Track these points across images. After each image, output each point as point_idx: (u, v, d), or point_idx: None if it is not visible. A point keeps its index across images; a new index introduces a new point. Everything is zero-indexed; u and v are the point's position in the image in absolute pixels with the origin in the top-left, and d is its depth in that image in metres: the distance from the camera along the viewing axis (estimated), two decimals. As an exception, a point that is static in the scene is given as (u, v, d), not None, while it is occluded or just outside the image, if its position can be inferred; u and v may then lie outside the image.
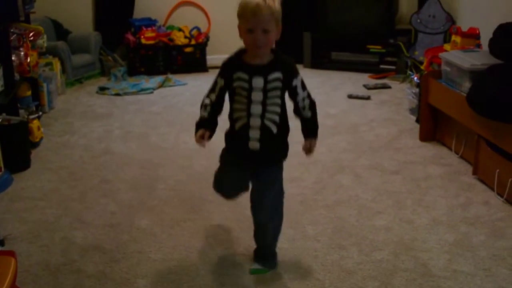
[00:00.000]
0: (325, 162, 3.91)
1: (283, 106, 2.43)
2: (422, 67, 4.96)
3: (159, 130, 4.67)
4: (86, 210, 3.32)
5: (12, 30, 4.44)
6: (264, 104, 2.38)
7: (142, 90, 5.88)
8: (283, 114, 2.45)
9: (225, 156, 2.59)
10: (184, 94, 5.76)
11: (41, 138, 4.39)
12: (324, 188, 3.52)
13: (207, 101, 2.49)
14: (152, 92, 5.85)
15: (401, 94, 5.44)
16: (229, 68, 2.44)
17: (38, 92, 5.00)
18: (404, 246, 2.86)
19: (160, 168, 3.91)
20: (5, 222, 3.16)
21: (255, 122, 2.41)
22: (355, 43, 6.49)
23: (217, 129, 2.52)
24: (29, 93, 4.67)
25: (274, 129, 2.43)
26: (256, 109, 2.39)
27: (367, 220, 3.12)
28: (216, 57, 6.60)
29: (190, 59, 6.61)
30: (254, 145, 2.43)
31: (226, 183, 2.61)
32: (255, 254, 2.74)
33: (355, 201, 3.35)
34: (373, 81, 6.03)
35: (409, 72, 5.60)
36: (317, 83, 5.99)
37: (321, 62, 6.65)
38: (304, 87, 2.45)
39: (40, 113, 4.69)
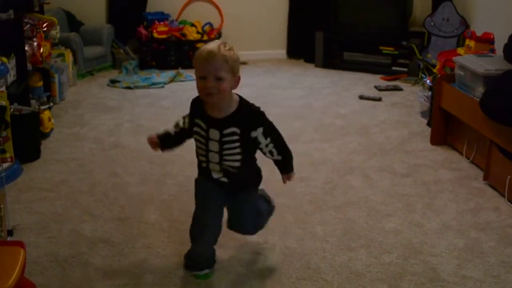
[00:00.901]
0: (335, 163, 3.90)
1: (245, 152, 2.41)
2: (434, 70, 4.94)
3: (169, 125, 4.63)
4: (95, 202, 3.32)
5: (26, 20, 4.45)
6: (221, 154, 2.39)
7: (153, 84, 5.88)
8: (246, 158, 2.43)
9: (199, 182, 2.60)
10: (194, 90, 5.64)
11: (52, 129, 4.40)
12: (334, 188, 3.51)
13: (181, 123, 2.55)
14: (163, 87, 5.85)
15: (412, 96, 5.42)
16: (193, 110, 2.47)
17: (49, 83, 5.01)
18: (413, 249, 2.85)
19: (169, 163, 3.90)
20: (14, 212, 3.16)
21: (214, 166, 2.43)
22: (367, 44, 6.47)
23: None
24: (40, 83, 4.69)
25: (235, 171, 2.43)
26: (214, 157, 2.41)
27: (376, 222, 3.11)
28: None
29: (201, 54, 6.59)
30: (222, 180, 2.47)
31: (204, 208, 2.56)
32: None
33: (364, 203, 3.34)
34: (384, 83, 6.00)
35: (421, 75, 5.58)
36: (329, 83, 5.97)
37: (332, 62, 6.63)
38: (267, 134, 2.39)
39: (51, 104, 4.71)
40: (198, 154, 2.48)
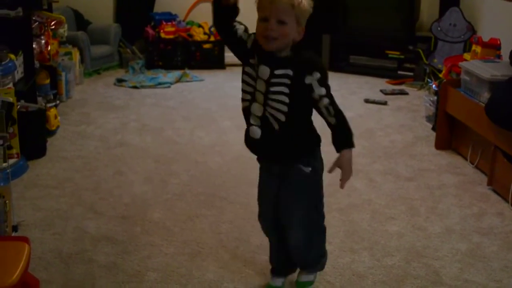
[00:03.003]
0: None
1: (293, 107, 2.15)
2: (440, 75, 4.94)
3: (174, 125, 4.68)
4: (99, 200, 3.33)
5: (34, 18, 4.47)
6: (266, 96, 2.15)
7: (160, 84, 5.90)
8: (294, 117, 2.18)
9: (260, 166, 2.40)
10: (200, 90, 5.77)
11: (58, 127, 4.42)
12: (337, 191, 3.48)
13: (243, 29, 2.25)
14: (169, 87, 5.87)
15: (418, 101, 5.42)
16: (253, 42, 2.19)
17: (56, 81, 5.04)
18: (416, 253, 2.85)
19: (174, 162, 3.92)
20: (19, 208, 3.18)
21: (256, 109, 2.19)
22: (374, 48, 6.48)
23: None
24: (47, 81, 4.71)
25: (276, 126, 2.17)
26: (259, 97, 2.17)
27: (379, 225, 3.11)
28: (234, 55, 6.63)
29: (208, 55, 6.63)
30: (255, 132, 2.21)
31: (260, 195, 2.42)
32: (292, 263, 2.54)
33: (368, 206, 3.34)
34: (390, 87, 6.01)
35: (427, 79, 5.58)
36: (334, 86, 5.87)
37: (339, 65, 6.63)
38: (323, 83, 2.11)
39: (58, 101, 4.73)
40: (243, 91, 2.22)
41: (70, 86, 5.35)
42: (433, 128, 4.56)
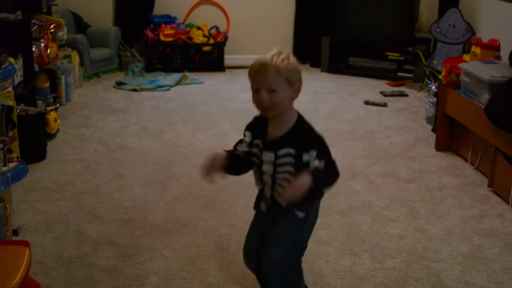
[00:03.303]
0: (339, 167, 3.88)
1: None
2: (440, 77, 4.94)
3: (174, 128, 4.68)
4: (100, 204, 3.33)
5: (33, 21, 4.47)
6: (273, 177, 2.20)
7: (159, 86, 5.89)
8: None
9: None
10: (200, 93, 5.76)
11: (58, 130, 4.42)
12: (337, 193, 3.51)
13: (239, 147, 2.29)
14: (168, 89, 5.87)
15: (418, 102, 5.43)
16: (254, 127, 2.26)
17: (56, 84, 5.03)
18: (417, 255, 2.85)
19: (174, 165, 3.91)
20: (20, 212, 3.18)
21: (266, 191, 2.26)
22: (373, 50, 6.47)
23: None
24: (47, 84, 4.71)
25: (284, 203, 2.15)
26: (267, 179, 2.22)
27: (380, 227, 3.11)
28: (234, 57, 6.63)
29: (207, 58, 6.62)
30: (263, 208, 2.31)
31: (247, 237, 2.42)
32: None
33: (368, 208, 3.34)
34: (390, 88, 6.01)
35: (427, 81, 5.59)
36: (334, 87, 5.98)
37: (338, 67, 6.63)
38: (321, 157, 2.12)
39: (58, 105, 4.72)
40: (254, 175, 2.30)
41: (69, 89, 5.35)
42: (433, 130, 4.56)
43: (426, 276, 2.67)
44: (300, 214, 2.25)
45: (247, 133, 2.26)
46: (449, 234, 3.06)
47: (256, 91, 2.13)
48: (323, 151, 2.16)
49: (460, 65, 4.13)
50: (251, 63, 2.15)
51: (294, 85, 2.13)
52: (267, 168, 2.20)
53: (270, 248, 2.26)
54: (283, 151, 2.15)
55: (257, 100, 2.13)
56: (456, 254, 2.86)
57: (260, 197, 2.32)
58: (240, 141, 2.28)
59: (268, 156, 2.18)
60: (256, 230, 2.38)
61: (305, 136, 2.17)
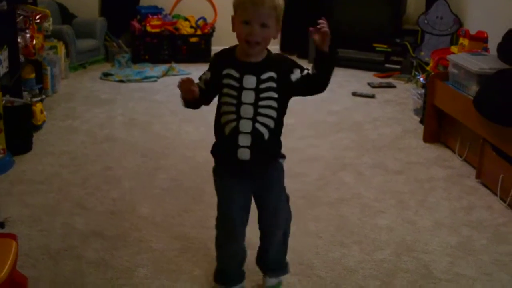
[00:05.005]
0: (327, 159, 3.90)
1: (279, 110, 2.16)
2: (428, 68, 4.95)
3: (162, 119, 4.65)
4: (87, 195, 3.30)
5: (19, 12, 4.42)
6: (256, 106, 2.11)
7: (146, 78, 5.86)
8: (280, 120, 2.18)
9: (219, 174, 2.30)
10: (187, 84, 5.72)
11: (44, 122, 4.37)
12: (326, 184, 3.51)
13: (202, 79, 2.22)
14: (156, 81, 5.83)
15: (405, 94, 5.43)
16: (219, 62, 2.18)
17: (41, 75, 4.98)
18: (406, 246, 2.85)
19: (162, 157, 3.89)
20: (5, 204, 3.14)
21: (246, 125, 2.12)
22: (361, 41, 6.47)
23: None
24: (33, 75, 4.67)
25: (266, 135, 2.14)
26: (247, 110, 2.11)
27: (369, 219, 3.11)
28: (221, 48, 6.59)
29: (195, 49, 6.59)
30: (244, 154, 2.14)
31: (229, 204, 2.26)
32: (264, 267, 2.48)
33: (357, 199, 3.34)
34: (378, 80, 6.01)
35: (415, 72, 5.59)
36: (322, 79, 5.95)
37: (326, 58, 6.61)
38: (301, 68, 2.17)
39: (43, 96, 4.68)
40: (225, 115, 2.14)
41: (55, 81, 5.30)
42: (421, 121, 4.57)
43: (415, 267, 2.67)
44: (283, 161, 2.28)
45: (207, 72, 2.20)
46: (438, 225, 3.07)
47: (245, 23, 2.05)
48: (304, 68, 2.17)
49: (449, 56, 4.13)
50: None
51: (279, 24, 2.11)
52: (247, 96, 2.11)
53: (275, 213, 2.28)
54: (266, 75, 2.11)
55: (247, 34, 2.05)
56: (445, 246, 2.86)
57: (232, 143, 2.15)
58: (199, 79, 2.22)
59: (250, 81, 2.10)
60: (240, 197, 2.24)
61: (284, 60, 2.18)
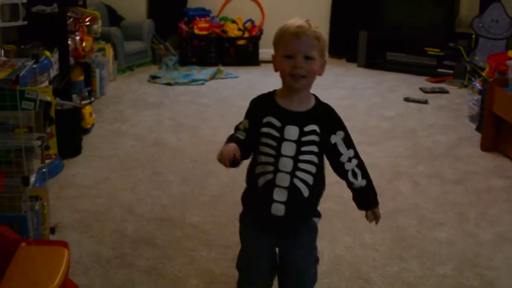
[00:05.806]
0: (382, 167, 3.78)
1: (320, 166, 1.97)
2: (483, 74, 4.78)
3: (210, 123, 4.59)
4: (137, 201, 3.25)
5: (69, 14, 4.41)
6: (296, 159, 1.92)
7: (194, 81, 5.82)
8: (319, 176, 1.98)
9: (245, 223, 2.13)
10: (235, 88, 5.67)
11: (93, 125, 4.36)
12: (381, 194, 3.33)
13: (241, 126, 2.00)
14: (203, 84, 5.79)
15: (459, 99, 5.27)
16: (257, 108, 1.99)
17: (90, 78, 4.97)
18: (468, 262, 2.71)
19: (211, 162, 3.80)
20: (56, 209, 3.11)
21: (283, 180, 1.92)
22: (412, 44, 6.33)
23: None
24: (81, 78, 4.66)
25: (306, 192, 1.94)
26: (286, 164, 1.92)
27: (428, 232, 2.98)
28: (269, 51, 6.46)
29: (242, 51, 6.54)
30: (278, 209, 1.94)
31: (252, 255, 2.10)
32: None
33: (414, 210, 3.21)
34: (430, 85, 5.85)
35: (470, 77, 5.43)
36: (372, 83, 5.84)
37: (375, 62, 6.50)
38: (348, 144, 1.98)
39: (92, 99, 4.66)
40: (261, 165, 1.96)
41: (103, 83, 5.29)
42: (477, 129, 4.41)
43: (479, 284, 2.54)
44: (318, 220, 2.09)
45: (245, 121, 1.99)
46: (501, 240, 2.92)
47: (288, 57, 1.89)
48: (349, 135, 1.99)
49: (508, 62, 3.97)
50: (282, 28, 1.92)
51: (323, 59, 1.95)
52: (288, 148, 1.92)
53: (300, 274, 2.06)
54: (309, 128, 1.92)
55: (291, 67, 1.88)
56: (510, 262, 2.72)
57: (267, 197, 1.95)
58: (237, 129, 2.01)
59: (292, 131, 1.92)
60: (265, 250, 2.07)
61: (330, 115, 1.99)
